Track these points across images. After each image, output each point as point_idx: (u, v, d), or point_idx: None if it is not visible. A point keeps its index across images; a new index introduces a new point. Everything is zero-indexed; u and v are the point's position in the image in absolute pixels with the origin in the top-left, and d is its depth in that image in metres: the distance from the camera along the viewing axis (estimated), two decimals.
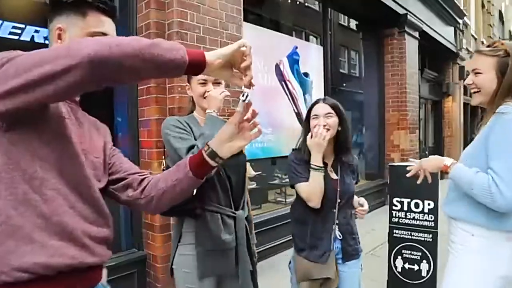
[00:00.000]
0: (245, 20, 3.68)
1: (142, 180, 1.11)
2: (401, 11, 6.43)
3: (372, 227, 4.88)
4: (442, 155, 1.97)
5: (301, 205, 1.87)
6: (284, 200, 5.08)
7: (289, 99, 4.86)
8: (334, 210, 1.85)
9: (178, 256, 1.63)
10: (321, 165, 1.79)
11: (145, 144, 2.96)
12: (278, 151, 4.67)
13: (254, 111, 1.00)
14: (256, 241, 1.88)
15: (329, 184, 1.84)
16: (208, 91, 1.63)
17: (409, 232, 2.54)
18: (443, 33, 9.05)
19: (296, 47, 5.00)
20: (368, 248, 4.24)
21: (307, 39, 5.86)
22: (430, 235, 2.45)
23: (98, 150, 1.07)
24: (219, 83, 1.67)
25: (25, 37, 2.61)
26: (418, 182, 1.78)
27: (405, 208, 2.54)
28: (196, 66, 0.86)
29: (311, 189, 1.79)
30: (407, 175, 1.82)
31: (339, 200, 1.85)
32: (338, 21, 7.06)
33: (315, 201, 1.79)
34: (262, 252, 3.76)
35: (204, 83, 1.64)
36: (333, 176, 1.89)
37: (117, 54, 0.74)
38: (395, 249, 2.58)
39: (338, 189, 1.86)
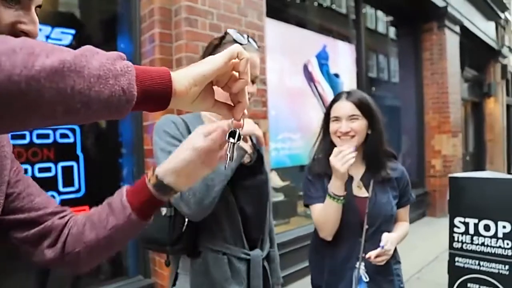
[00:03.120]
0: (269, 16, 3.30)
1: (63, 227, 0.72)
2: (440, 3, 5.87)
3: (412, 243, 4.30)
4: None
5: None
6: None
7: (318, 102, 4.45)
8: (360, 240, 1.41)
9: None
10: (341, 194, 1.36)
11: (150, 153, 2.49)
12: (308, 158, 4.21)
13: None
14: (283, 281, 1.44)
15: (352, 204, 1.42)
16: None
17: (477, 262, 2.00)
18: (484, 28, 8.41)
19: (325, 46, 4.62)
20: (412, 271, 3.71)
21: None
22: (506, 267, 1.92)
23: None
24: None
25: None
26: None
27: (471, 231, 1.99)
28: (153, 101, 0.49)
29: (324, 217, 1.40)
30: None
31: (366, 227, 1.41)
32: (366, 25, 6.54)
33: (325, 232, 1.43)
34: (289, 276, 3.31)
35: None
36: (361, 193, 1.46)
37: None
38: (458, 282, 2.06)
39: (367, 210, 1.42)
